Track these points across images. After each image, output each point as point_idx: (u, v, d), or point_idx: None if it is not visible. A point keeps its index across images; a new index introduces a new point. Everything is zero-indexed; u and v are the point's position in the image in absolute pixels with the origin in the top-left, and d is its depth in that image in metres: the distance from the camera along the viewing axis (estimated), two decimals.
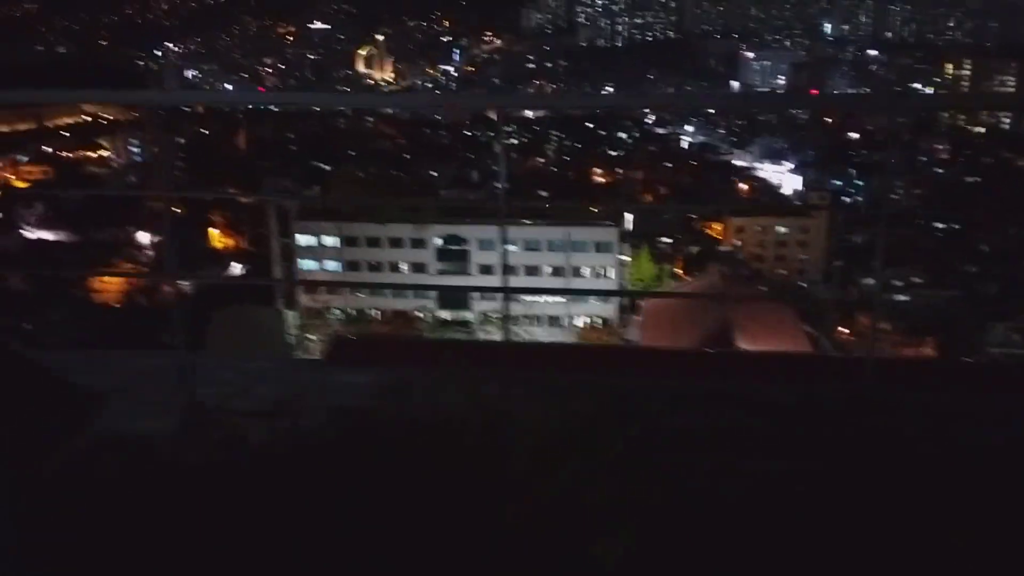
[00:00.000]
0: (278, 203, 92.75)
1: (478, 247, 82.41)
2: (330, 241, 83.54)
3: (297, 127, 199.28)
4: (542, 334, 79.39)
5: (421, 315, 79.80)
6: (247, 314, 70.66)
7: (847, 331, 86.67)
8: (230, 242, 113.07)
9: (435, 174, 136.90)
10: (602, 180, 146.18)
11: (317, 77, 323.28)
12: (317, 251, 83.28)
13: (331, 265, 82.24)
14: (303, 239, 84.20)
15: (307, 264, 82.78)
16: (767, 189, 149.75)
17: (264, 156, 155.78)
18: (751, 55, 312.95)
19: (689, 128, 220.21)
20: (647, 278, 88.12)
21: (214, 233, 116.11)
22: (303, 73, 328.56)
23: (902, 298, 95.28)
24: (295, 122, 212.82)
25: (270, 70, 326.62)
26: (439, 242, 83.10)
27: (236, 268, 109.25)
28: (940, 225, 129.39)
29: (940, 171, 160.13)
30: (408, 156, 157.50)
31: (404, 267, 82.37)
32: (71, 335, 74.87)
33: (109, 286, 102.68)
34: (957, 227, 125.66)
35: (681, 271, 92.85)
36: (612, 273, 79.84)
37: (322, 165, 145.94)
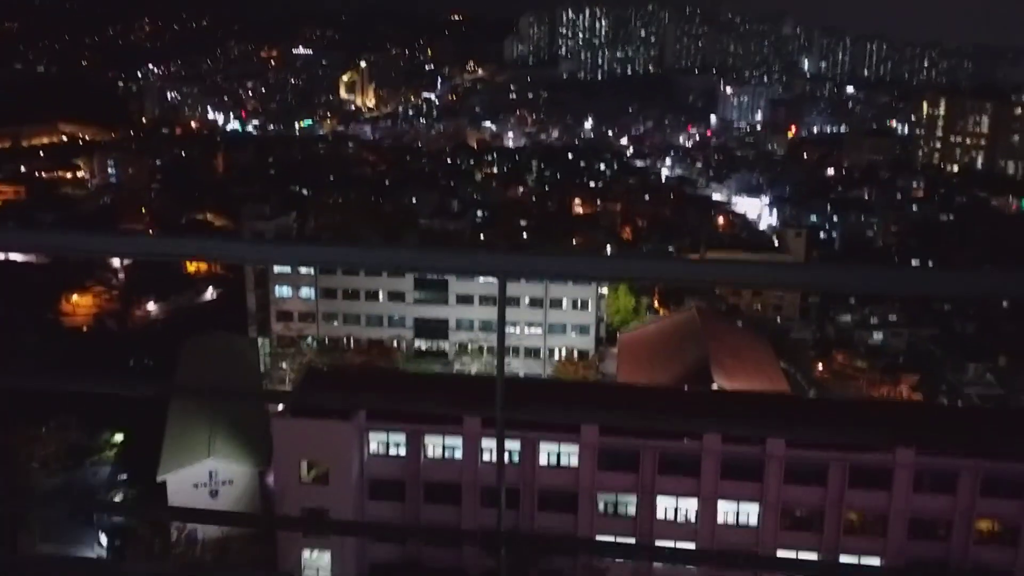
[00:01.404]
0: (254, 227, 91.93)
1: (456, 277, 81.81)
2: (305, 268, 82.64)
3: (276, 152, 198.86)
4: (519, 365, 78.73)
5: (396, 344, 78.90)
6: (220, 341, 69.25)
7: (823, 368, 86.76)
8: (203, 266, 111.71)
9: (415, 201, 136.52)
10: (581, 211, 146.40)
11: (299, 102, 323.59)
12: (292, 278, 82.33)
13: (306, 292, 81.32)
14: (278, 266, 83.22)
15: (282, 291, 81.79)
16: (744, 223, 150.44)
17: (242, 180, 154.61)
18: (730, 91, 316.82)
19: (667, 161, 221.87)
20: (625, 310, 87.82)
21: None
22: (285, 97, 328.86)
23: (878, 336, 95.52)
24: (274, 146, 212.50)
25: (251, 94, 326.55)
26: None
27: (209, 293, 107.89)
28: (915, 262, 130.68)
29: (915, 208, 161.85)
30: (388, 183, 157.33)
31: (381, 296, 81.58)
32: (40, 358, 73.36)
33: (80, 308, 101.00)
34: (931, 265, 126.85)
35: (658, 304, 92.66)
36: (591, 306, 79.48)
37: (301, 190, 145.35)
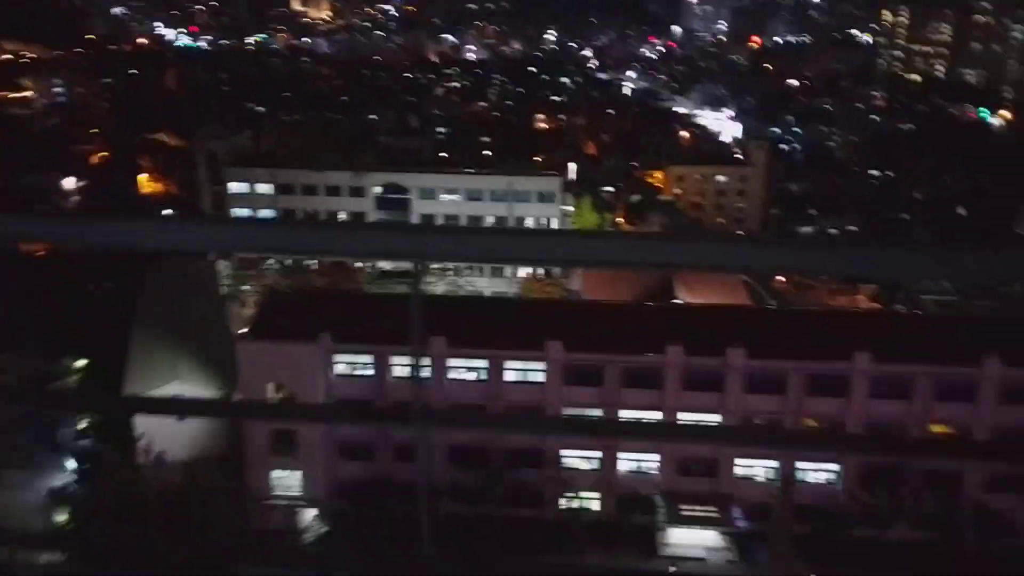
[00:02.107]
0: (208, 148, 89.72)
1: (419, 196, 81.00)
2: (264, 188, 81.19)
3: (229, 68, 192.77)
4: (485, 284, 78.85)
5: (360, 265, 78.37)
6: (179, 265, 68.29)
7: (783, 280, 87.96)
8: (159, 187, 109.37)
9: (375, 118, 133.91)
10: (545, 126, 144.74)
11: (251, 15, 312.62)
12: (250, 198, 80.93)
13: (265, 213, 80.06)
14: (235, 186, 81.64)
15: (240, 212, 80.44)
16: (708, 137, 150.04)
17: (195, 98, 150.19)
18: (693, 0, 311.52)
19: (631, 74, 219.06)
20: (590, 227, 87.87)
21: (142, 178, 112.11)
22: (237, 11, 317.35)
23: None
24: (227, 62, 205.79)
25: (202, 7, 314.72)
26: (378, 190, 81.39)
27: (166, 215, 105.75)
28: (875, 173, 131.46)
29: (876, 119, 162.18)
30: (346, 99, 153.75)
31: (342, 216, 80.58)
32: None
33: None
34: (892, 175, 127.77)
35: (623, 220, 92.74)
36: (555, 223, 79.33)
37: (256, 108, 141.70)
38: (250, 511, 47.44)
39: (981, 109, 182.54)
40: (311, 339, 47.88)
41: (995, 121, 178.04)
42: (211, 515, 41.10)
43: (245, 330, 50.08)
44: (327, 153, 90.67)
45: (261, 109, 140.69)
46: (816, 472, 50.09)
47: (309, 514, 49.84)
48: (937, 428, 49.22)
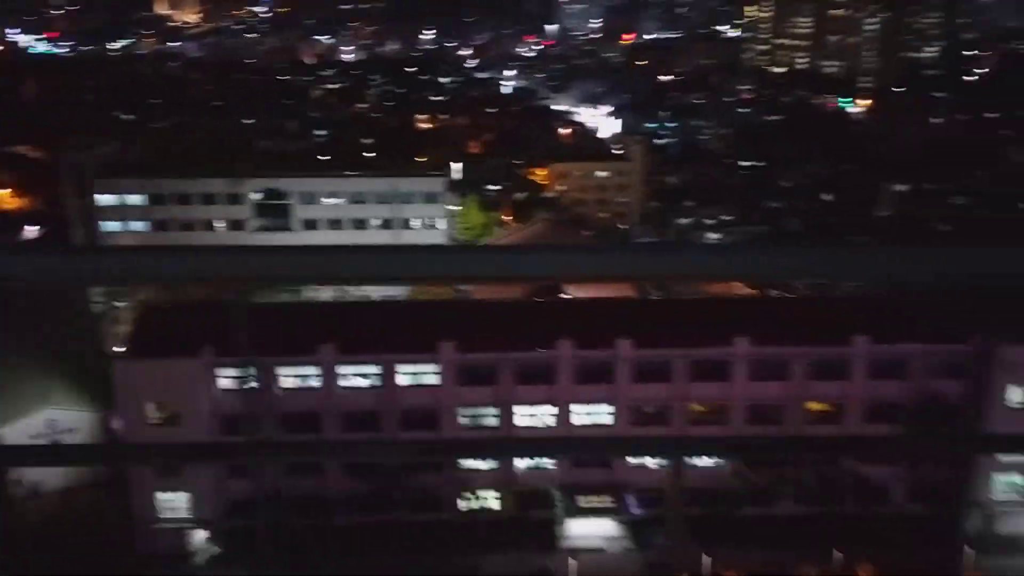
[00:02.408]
0: (74, 159, 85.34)
1: (301, 200, 79.23)
2: (135, 199, 77.80)
3: (92, 75, 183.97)
4: (372, 289, 77.85)
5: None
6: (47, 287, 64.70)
7: None
8: (23, 203, 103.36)
9: (251, 122, 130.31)
10: (427, 126, 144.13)
11: (113, 19, 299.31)
12: (120, 211, 77.44)
13: (137, 226, 76.81)
14: (104, 198, 77.94)
15: (110, 226, 76.92)
16: (587, 133, 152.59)
17: (56, 108, 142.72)
18: None
19: (509, 73, 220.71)
20: (476, 226, 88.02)
21: (3, 194, 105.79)
22: (97, 15, 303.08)
23: (713, 236, 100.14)
24: (89, 69, 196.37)
25: (60, 12, 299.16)
26: (257, 196, 79.15)
27: (31, 231, 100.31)
28: (745, 164, 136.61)
29: (745, 111, 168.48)
30: (220, 104, 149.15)
31: (220, 225, 78.10)
32: None
33: None
34: (762, 165, 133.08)
35: (510, 219, 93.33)
36: (441, 224, 79.06)
37: (123, 116, 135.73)
38: (137, 535, 45.49)
39: (841, 99, 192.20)
40: (192, 354, 46.23)
41: (855, 109, 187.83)
42: (94, 543, 39.22)
43: (120, 349, 47.90)
44: (201, 160, 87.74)
45: (129, 117, 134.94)
46: (704, 456, 51.65)
47: (199, 536, 48.15)
48: (815, 405, 51.63)
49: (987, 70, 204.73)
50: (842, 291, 63.34)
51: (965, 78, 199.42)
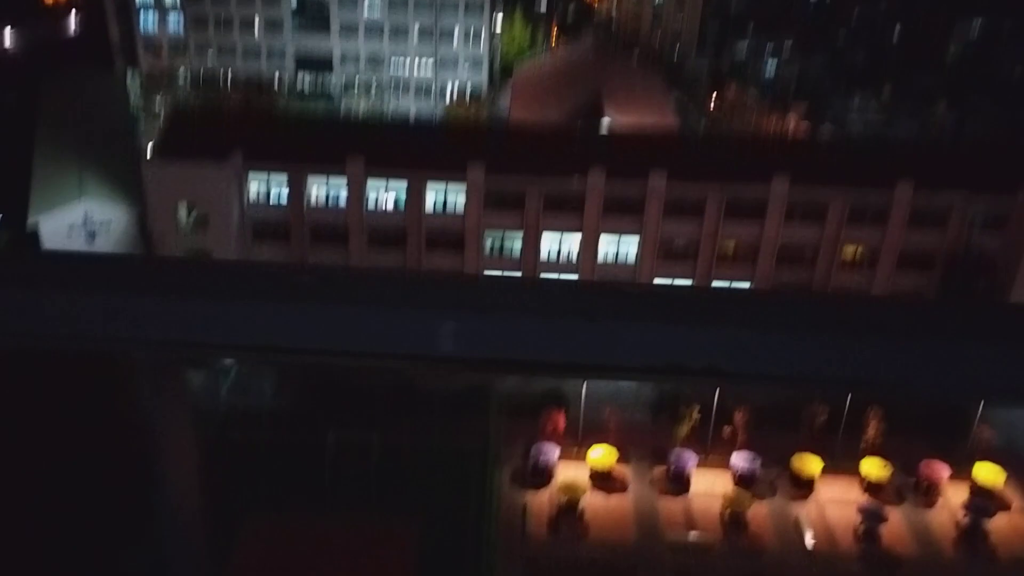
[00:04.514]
0: None
1: (339, 2, 76.36)
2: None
3: None
4: (409, 104, 76.28)
5: (276, 81, 74.64)
6: (82, 80, 64.32)
7: (717, 99, 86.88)
8: None
9: None
10: None
11: None
12: (157, 3, 75.42)
13: (174, 20, 74.92)
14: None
15: (147, 20, 75.16)
16: None
17: None
18: None
19: None
20: (521, 43, 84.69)
21: None
22: None
23: (772, 64, 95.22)
24: None
25: None
26: None
27: (71, 21, 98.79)
28: None
29: None
30: None
31: (257, 24, 75.87)
32: None
33: None
34: None
35: (554, 38, 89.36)
36: (483, 37, 76.03)
37: None
38: None
39: None
40: (222, 158, 46.14)
41: None
42: None
43: (151, 149, 47.98)
44: None
45: None
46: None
47: None
48: (849, 248, 50.48)
49: None
50: (894, 138, 60.76)
51: None
